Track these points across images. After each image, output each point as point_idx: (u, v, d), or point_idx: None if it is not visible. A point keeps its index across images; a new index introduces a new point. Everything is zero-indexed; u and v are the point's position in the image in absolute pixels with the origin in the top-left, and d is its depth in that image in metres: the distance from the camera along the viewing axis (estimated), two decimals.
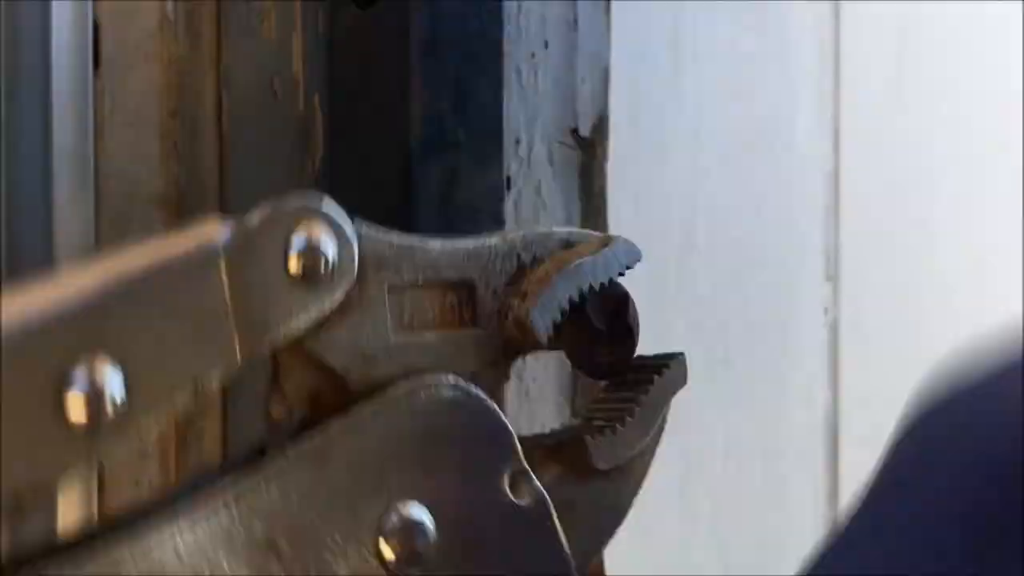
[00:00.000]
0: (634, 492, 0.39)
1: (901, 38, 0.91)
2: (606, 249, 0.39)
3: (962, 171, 0.96)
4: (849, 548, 0.28)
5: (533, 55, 0.58)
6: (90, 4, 0.63)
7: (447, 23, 0.52)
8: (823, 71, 0.83)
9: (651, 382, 0.39)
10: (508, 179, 0.56)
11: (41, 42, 0.64)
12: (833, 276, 0.85)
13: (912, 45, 0.92)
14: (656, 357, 0.41)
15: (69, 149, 0.64)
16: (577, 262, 0.38)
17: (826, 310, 0.84)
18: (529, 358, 0.58)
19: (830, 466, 0.84)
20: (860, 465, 0.89)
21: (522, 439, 0.36)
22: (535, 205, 0.58)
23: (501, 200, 0.54)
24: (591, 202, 0.61)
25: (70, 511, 0.64)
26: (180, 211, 0.59)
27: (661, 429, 0.40)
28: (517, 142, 0.57)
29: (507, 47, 0.55)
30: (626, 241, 0.40)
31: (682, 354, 0.41)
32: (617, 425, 0.38)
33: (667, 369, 0.40)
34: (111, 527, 0.32)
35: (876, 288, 0.89)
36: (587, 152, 0.61)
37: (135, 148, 0.61)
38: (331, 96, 0.54)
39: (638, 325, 0.41)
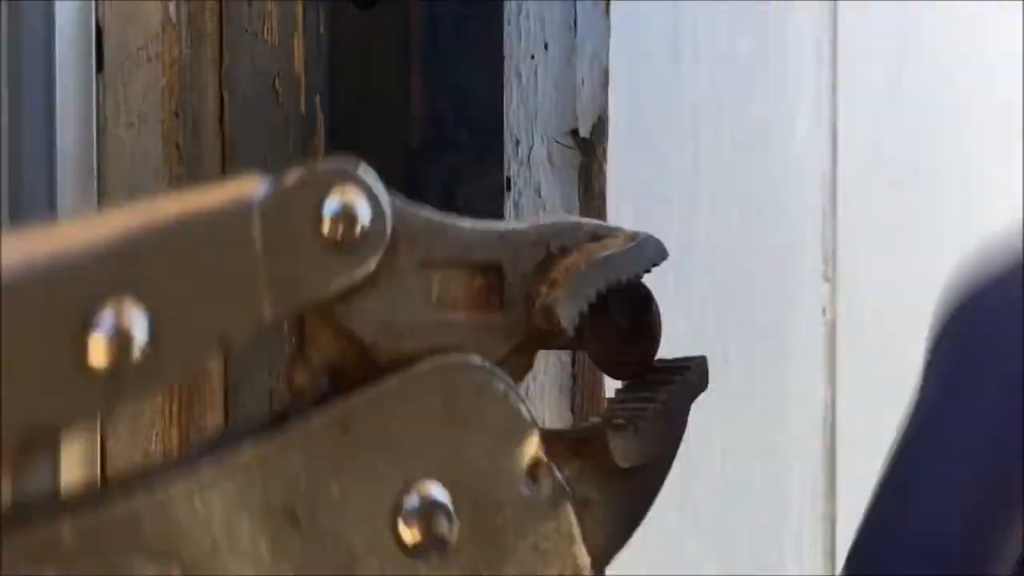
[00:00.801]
0: (651, 496, 0.38)
1: (899, 39, 0.91)
2: (633, 244, 0.39)
3: (961, 170, 0.96)
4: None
5: (533, 56, 0.58)
6: (93, 5, 0.63)
7: (447, 23, 0.52)
8: (821, 71, 0.83)
9: (672, 383, 0.39)
10: (508, 179, 0.57)
11: (44, 43, 0.64)
12: (831, 276, 0.85)
13: (910, 46, 0.92)
14: (677, 360, 0.40)
15: (72, 150, 0.64)
16: (605, 255, 0.37)
17: (824, 310, 0.84)
18: None
19: (828, 465, 0.84)
20: (858, 464, 0.90)
21: (542, 432, 0.35)
22: (535, 205, 0.58)
23: (501, 200, 0.54)
24: (591, 202, 0.62)
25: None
26: None
27: (682, 432, 0.40)
28: (517, 142, 0.57)
29: (507, 47, 0.55)
30: (653, 238, 0.39)
31: (703, 358, 0.40)
32: (639, 423, 0.37)
33: (688, 372, 0.39)
34: (121, 484, 0.31)
35: (874, 288, 0.89)
36: (587, 152, 0.61)
37: (138, 149, 0.61)
38: (331, 96, 0.54)
39: (660, 325, 0.41)
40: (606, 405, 0.39)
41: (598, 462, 0.36)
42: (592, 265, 0.37)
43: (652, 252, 0.39)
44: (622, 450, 0.36)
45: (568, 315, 0.36)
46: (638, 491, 0.38)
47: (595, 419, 0.39)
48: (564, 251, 0.37)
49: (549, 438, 0.36)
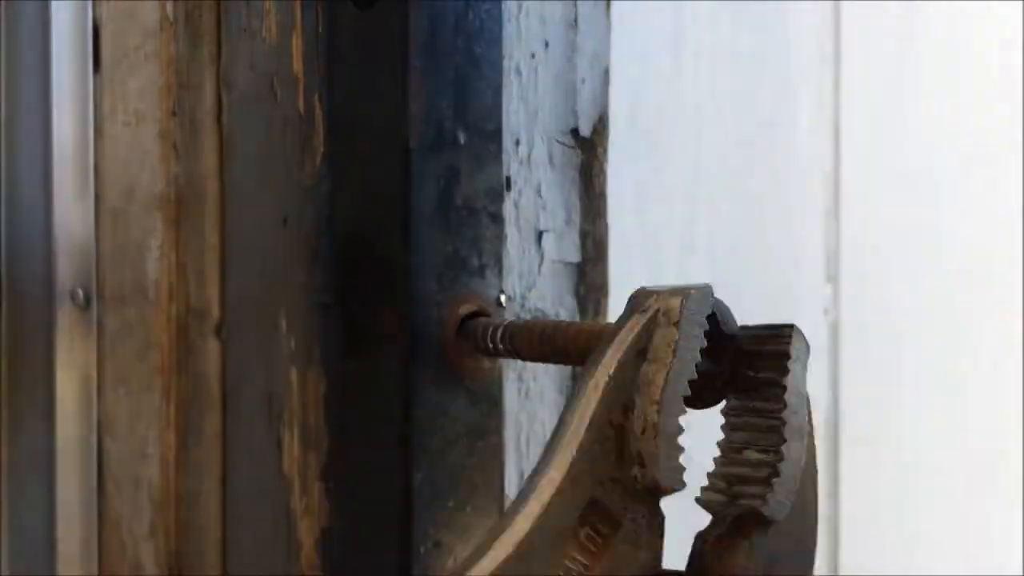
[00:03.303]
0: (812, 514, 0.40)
1: (901, 38, 0.91)
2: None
3: (963, 170, 0.96)
4: None
5: (533, 55, 0.58)
6: (90, 5, 0.63)
7: (447, 23, 0.51)
8: (823, 71, 0.83)
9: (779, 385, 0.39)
10: (508, 179, 0.56)
11: (41, 42, 0.64)
12: (833, 277, 0.84)
13: (912, 45, 0.92)
14: (762, 337, 0.41)
15: (69, 148, 0.64)
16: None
17: (826, 311, 0.84)
18: None
19: (830, 466, 0.84)
20: (860, 465, 0.90)
21: None
22: (535, 205, 0.58)
23: (501, 200, 0.54)
24: (591, 202, 0.61)
25: (70, 513, 0.64)
26: (179, 211, 0.59)
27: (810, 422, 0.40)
28: (517, 142, 0.57)
29: (507, 46, 0.55)
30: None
31: (791, 326, 0.40)
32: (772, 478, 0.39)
33: (788, 365, 0.40)
34: None
35: (877, 289, 0.89)
36: (587, 152, 0.61)
37: (135, 148, 0.61)
38: (330, 96, 0.54)
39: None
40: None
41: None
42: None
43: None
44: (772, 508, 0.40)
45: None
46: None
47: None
48: None
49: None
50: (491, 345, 0.49)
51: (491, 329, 0.49)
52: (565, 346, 0.46)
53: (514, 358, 0.49)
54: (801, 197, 0.83)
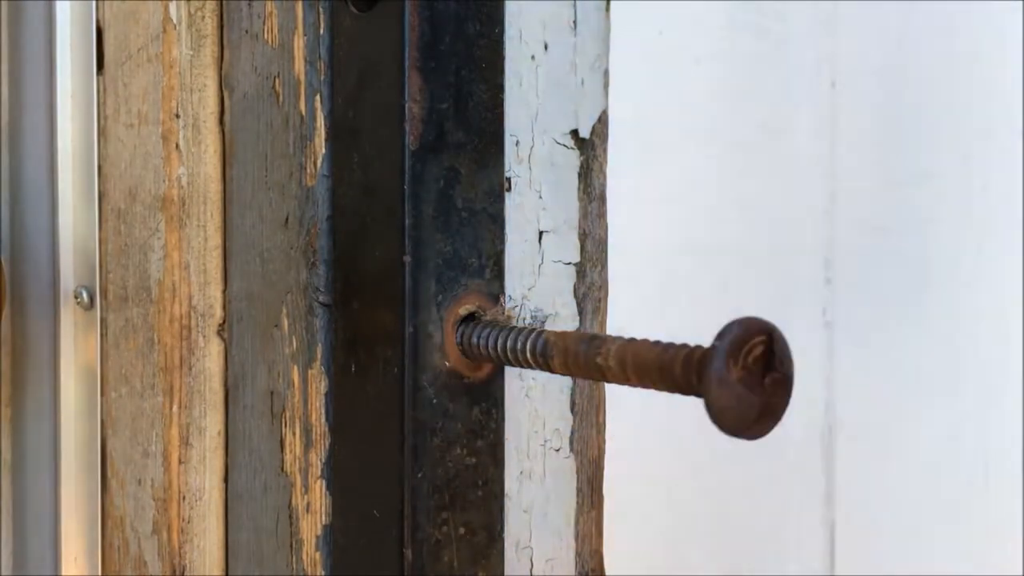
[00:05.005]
0: None
1: (899, 39, 0.91)
2: None
3: (960, 172, 0.96)
4: None
5: (533, 57, 0.58)
6: (93, 6, 0.63)
7: (447, 25, 0.52)
8: (821, 72, 0.83)
9: None
10: (508, 179, 0.56)
11: (45, 44, 0.64)
12: (831, 278, 0.85)
13: (910, 46, 0.92)
14: None
15: (72, 149, 0.64)
16: None
17: (824, 311, 0.84)
18: None
19: (827, 466, 0.84)
20: (857, 465, 0.90)
21: None
22: (535, 205, 0.58)
23: (501, 201, 0.54)
24: (591, 202, 0.62)
25: (73, 510, 0.64)
26: (182, 211, 0.59)
27: None
28: (517, 142, 0.57)
29: (507, 48, 0.55)
30: None
31: None
32: None
33: None
34: None
35: (873, 289, 0.89)
36: (587, 152, 0.61)
37: (138, 149, 0.62)
38: (332, 97, 0.54)
39: None
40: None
41: None
42: None
43: None
44: None
45: None
46: None
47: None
48: None
49: None
50: (497, 354, 0.49)
51: (494, 335, 0.49)
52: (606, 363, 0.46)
53: (530, 368, 0.50)
54: (799, 198, 0.83)
